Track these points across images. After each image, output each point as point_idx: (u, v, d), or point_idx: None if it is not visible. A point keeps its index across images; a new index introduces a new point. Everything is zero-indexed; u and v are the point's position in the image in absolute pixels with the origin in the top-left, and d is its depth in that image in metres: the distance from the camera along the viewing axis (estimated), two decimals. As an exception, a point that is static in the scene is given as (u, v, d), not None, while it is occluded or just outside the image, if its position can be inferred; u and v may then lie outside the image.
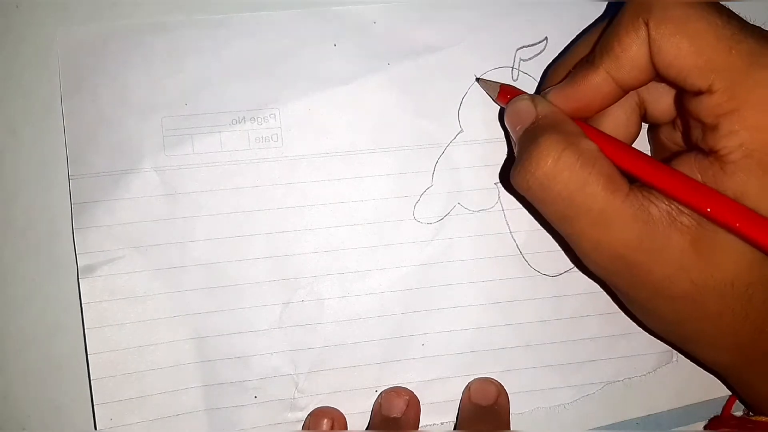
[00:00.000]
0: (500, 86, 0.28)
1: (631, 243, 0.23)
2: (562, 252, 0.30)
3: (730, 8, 0.24)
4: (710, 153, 0.23)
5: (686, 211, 0.23)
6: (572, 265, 0.30)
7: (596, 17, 0.30)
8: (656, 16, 0.23)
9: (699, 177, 0.23)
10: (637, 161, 0.24)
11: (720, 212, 0.22)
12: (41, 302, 0.28)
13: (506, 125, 0.27)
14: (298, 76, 0.29)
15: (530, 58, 0.30)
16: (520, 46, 0.30)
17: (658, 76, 0.24)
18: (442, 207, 0.30)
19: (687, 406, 0.30)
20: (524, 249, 0.30)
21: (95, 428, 0.28)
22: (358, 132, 0.29)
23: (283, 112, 0.29)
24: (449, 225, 0.30)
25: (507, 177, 0.29)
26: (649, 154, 0.30)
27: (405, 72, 0.29)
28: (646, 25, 0.23)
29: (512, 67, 0.30)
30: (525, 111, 0.26)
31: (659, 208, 0.23)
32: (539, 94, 0.27)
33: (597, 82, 0.25)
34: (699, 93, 0.23)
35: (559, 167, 0.23)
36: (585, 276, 0.30)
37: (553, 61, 0.30)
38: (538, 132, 0.25)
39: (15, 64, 0.28)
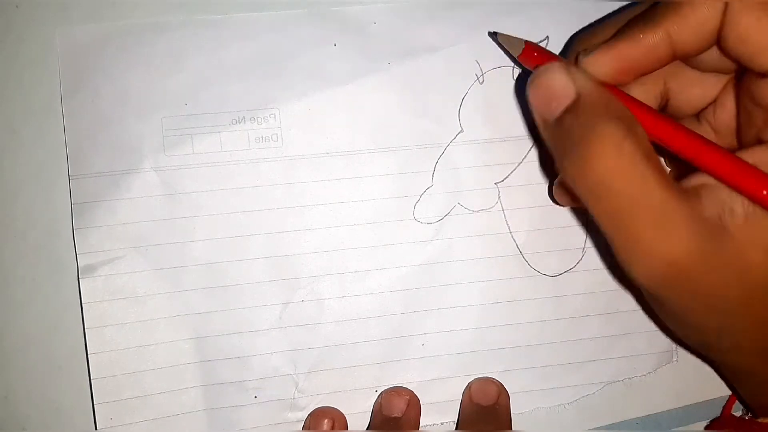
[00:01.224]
0: (525, 43, 0.26)
1: (690, 247, 0.21)
2: (562, 252, 0.30)
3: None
4: None
5: (736, 208, 0.21)
6: (572, 265, 0.30)
7: (596, 17, 0.30)
8: None
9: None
10: (694, 143, 0.22)
11: None
12: (41, 302, 0.28)
13: (532, 101, 0.23)
14: (298, 76, 0.29)
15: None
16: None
17: (718, 47, 0.22)
18: (442, 207, 0.30)
19: (687, 406, 0.30)
20: (524, 249, 0.30)
21: (95, 428, 0.28)
22: (358, 132, 0.29)
23: (283, 112, 0.29)
24: (449, 225, 0.30)
25: (549, 164, 0.28)
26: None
27: (405, 72, 0.29)
28: None
29: (513, 67, 0.30)
30: (561, 87, 0.22)
31: (710, 206, 0.21)
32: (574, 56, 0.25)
33: (654, 42, 0.22)
34: (766, 75, 0.21)
35: (622, 162, 0.21)
36: (585, 276, 0.30)
37: (580, 31, 0.28)
38: (589, 117, 0.21)
39: (15, 64, 0.28)
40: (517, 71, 0.30)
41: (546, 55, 0.26)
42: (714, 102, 0.26)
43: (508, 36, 0.27)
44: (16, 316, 0.28)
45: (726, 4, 0.21)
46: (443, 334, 0.30)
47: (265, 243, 0.29)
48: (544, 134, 0.23)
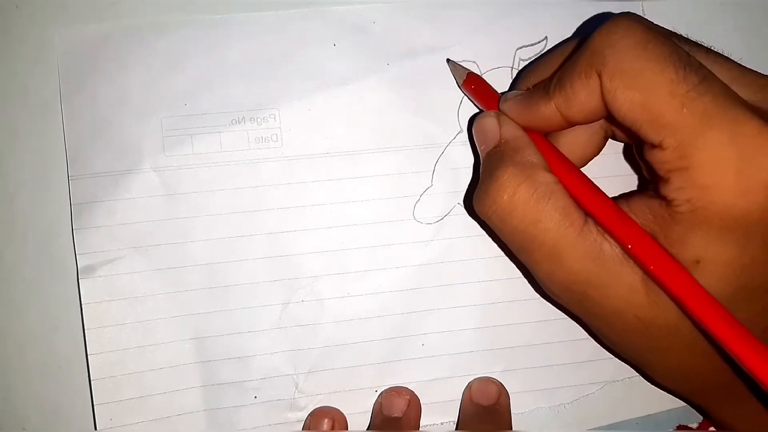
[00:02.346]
0: (467, 74, 0.29)
1: (580, 278, 0.24)
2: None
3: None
4: (662, 198, 0.23)
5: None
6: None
7: (596, 17, 0.30)
8: (609, 67, 0.22)
9: (650, 217, 0.23)
10: (584, 195, 0.24)
11: (639, 252, 0.22)
12: (41, 302, 0.28)
13: (474, 139, 0.27)
14: (298, 76, 0.29)
15: (530, 58, 0.30)
16: (519, 46, 0.30)
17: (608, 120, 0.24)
18: (442, 207, 0.30)
19: (686, 406, 0.30)
20: (524, 249, 0.30)
21: (95, 428, 0.28)
22: (358, 132, 0.29)
23: (282, 112, 0.29)
24: (449, 225, 0.30)
25: (470, 197, 0.29)
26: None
27: (405, 72, 0.29)
28: (599, 75, 0.23)
29: (512, 67, 0.30)
30: (490, 131, 0.26)
31: (612, 245, 0.23)
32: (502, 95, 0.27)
33: (547, 114, 0.25)
34: (653, 146, 0.22)
35: (513, 203, 0.24)
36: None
37: (531, 62, 0.29)
38: (498, 161, 0.25)
39: (15, 64, 0.28)
40: (517, 72, 0.30)
41: (484, 85, 0.28)
42: None
43: (455, 63, 0.29)
44: (16, 316, 0.28)
45: (603, 88, 0.23)
46: (443, 334, 0.30)
47: (265, 243, 0.29)
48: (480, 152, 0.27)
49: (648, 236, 0.23)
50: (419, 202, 0.30)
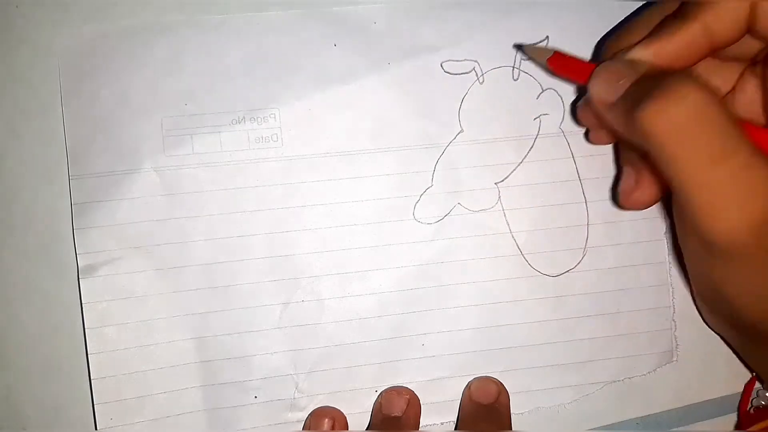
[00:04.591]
0: (554, 52, 0.27)
1: None
2: (563, 252, 0.30)
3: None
4: None
5: None
6: (573, 266, 0.30)
7: (596, 17, 0.30)
8: None
9: None
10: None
11: None
12: (41, 302, 0.28)
13: (596, 85, 0.24)
14: (298, 76, 0.29)
15: (531, 58, 0.30)
16: (520, 45, 0.30)
17: (749, 32, 0.23)
18: (442, 207, 0.30)
19: (687, 406, 0.30)
20: (524, 249, 0.30)
21: (96, 428, 0.28)
22: (358, 132, 0.29)
23: (283, 112, 0.29)
24: (449, 225, 0.30)
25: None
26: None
27: (405, 72, 0.29)
28: None
29: (513, 67, 0.30)
30: (624, 69, 0.24)
31: None
32: (598, 65, 0.25)
33: (692, 37, 0.23)
34: None
35: (710, 112, 0.20)
36: (585, 276, 0.30)
37: (607, 34, 0.29)
38: (659, 77, 0.22)
39: (15, 64, 0.28)
40: (518, 72, 0.30)
41: (573, 60, 0.27)
42: (733, 89, 0.26)
43: (533, 46, 0.29)
44: (16, 316, 0.28)
45: None
46: (443, 334, 0.30)
47: (265, 243, 0.29)
48: (607, 99, 0.24)
49: None
50: (419, 202, 0.30)
